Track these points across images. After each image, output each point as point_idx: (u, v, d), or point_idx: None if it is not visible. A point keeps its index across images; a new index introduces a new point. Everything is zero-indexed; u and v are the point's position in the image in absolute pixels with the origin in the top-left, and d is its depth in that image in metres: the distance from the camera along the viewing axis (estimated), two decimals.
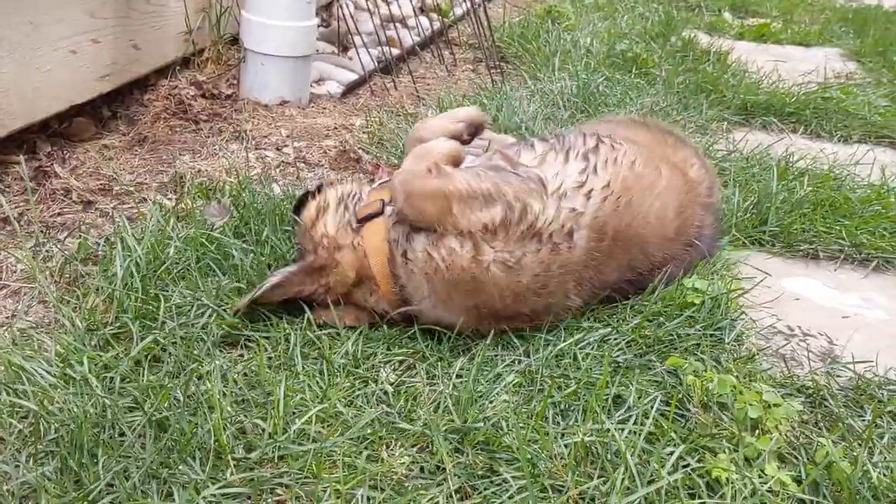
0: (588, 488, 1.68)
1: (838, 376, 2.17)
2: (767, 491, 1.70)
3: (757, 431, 1.86)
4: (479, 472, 1.73)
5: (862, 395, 2.10)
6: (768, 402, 1.89)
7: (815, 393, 2.08)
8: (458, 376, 1.98)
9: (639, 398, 1.92)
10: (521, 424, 1.84)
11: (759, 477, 1.73)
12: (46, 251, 2.36)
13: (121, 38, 3.15)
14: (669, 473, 1.70)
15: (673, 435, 1.81)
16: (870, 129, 4.20)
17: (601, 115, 3.83)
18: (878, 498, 1.72)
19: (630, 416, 1.87)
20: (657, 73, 4.68)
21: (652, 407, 1.89)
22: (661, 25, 5.95)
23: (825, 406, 2.04)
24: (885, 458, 1.85)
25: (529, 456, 1.72)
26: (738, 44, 5.96)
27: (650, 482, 1.68)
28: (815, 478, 1.73)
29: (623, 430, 1.82)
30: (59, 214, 2.59)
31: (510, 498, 1.64)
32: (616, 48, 5.02)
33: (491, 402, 1.90)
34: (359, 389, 1.94)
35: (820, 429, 1.97)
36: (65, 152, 2.94)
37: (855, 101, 4.48)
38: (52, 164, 2.81)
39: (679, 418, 1.91)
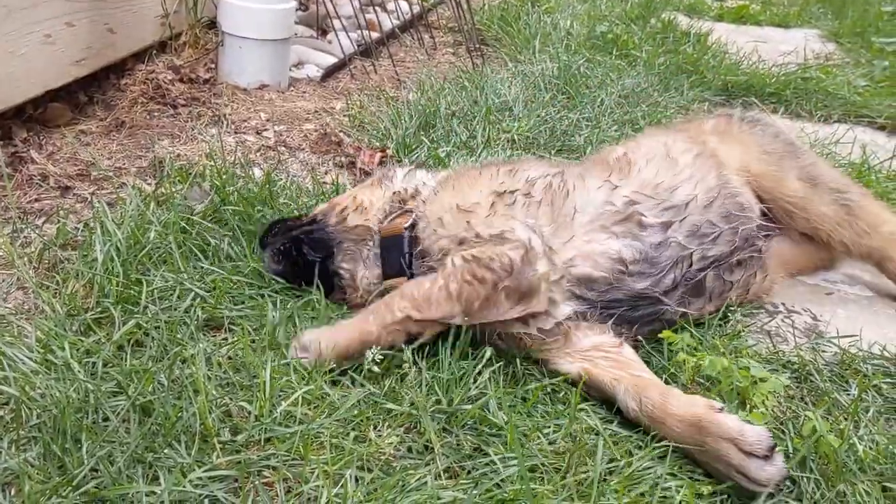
0: (581, 468, 1.68)
1: (823, 351, 2.18)
2: None
3: (747, 406, 1.86)
4: (467, 452, 1.72)
5: (847, 369, 2.11)
6: (755, 377, 1.90)
7: (800, 368, 2.09)
8: (434, 355, 1.97)
9: None
10: (509, 404, 1.83)
11: None
12: (24, 237, 2.33)
13: (96, 21, 3.10)
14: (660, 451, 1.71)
15: None
16: (849, 108, 4.22)
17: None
18: (865, 470, 1.73)
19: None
20: (638, 54, 4.68)
21: None
22: (640, 7, 5.95)
23: (811, 381, 2.05)
24: (871, 430, 1.87)
25: (517, 436, 1.71)
26: (718, 25, 5.97)
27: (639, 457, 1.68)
28: (802, 452, 1.73)
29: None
30: (36, 200, 2.55)
31: (500, 478, 1.63)
32: (596, 30, 5.02)
33: (475, 382, 1.88)
34: (344, 370, 1.92)
35: (806, 403, 1.98)
36: (41, 138, 2.89)
37: (834, 81, 4.50)
38: (28, 150, 2.77)
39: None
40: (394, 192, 2.29)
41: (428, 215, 2.14)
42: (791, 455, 1.75)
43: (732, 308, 2.28)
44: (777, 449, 1.66)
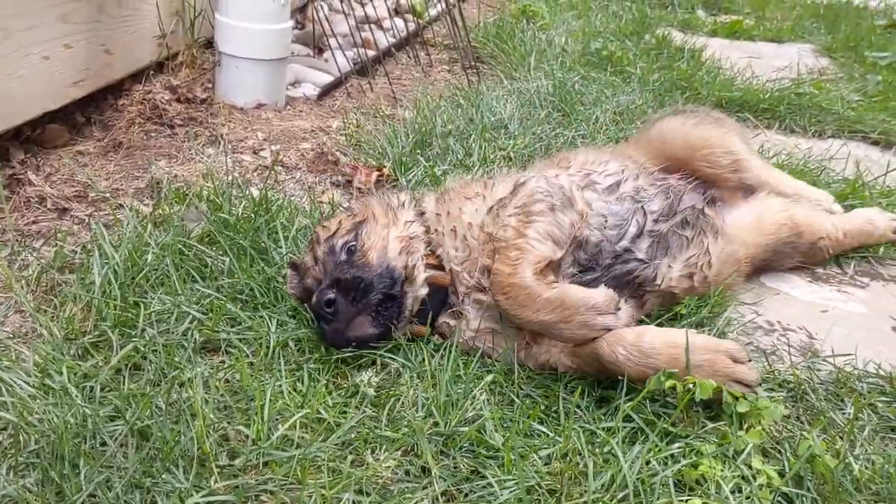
0: (576, 487, 1.68)
1: (819, 370, 2.19)
2: (748, 483, 1.71)
3: (744, 426, 1.86)
4: (465, 475, 1.72)
5: (842, 388, 2.12)
6: (752, 402, 1.90)
7: (796, 387, 2.09)
8: (433, 377, 1.98)
9: (625, 397, 1.92)
10: (505, 424, 1.84)
11: (744, 470, 1.74)
12: (22, 260, 2.33)
13: (93, 43, 3.12)
14: (656, 473, 1.72)
15: (655, 432, 1.82)
16: (843, 123, 4.24)
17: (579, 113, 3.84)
18: (861, 490, 1.74)
19: (613, 415, 1.87)
20: (632, 70, 4.70)
21: (636, 408, 1.90)
22: (634, 24, 5.98)
23: (807, 400, 2.06)
24: (867, 450, 1.87)
25: (514, 458, 1.72)
26: (712, 41, 6.00)
27: (639, 480, 1.69)
28: (798, 471, 1.74)
29: (610, 430, 1.83)
30: (33, 222, 2.56)
31: (497, 501, 1.64)
32: (591, 47, 5.04)
33: (472, 403, 1.89)
34: (340, 394, 1.93)
35: (802, 422, 1.99)
36: (38, 159, 2.90)
37: (828, 96, 4.52)
38: (25, 172, 2.78)
39: (665, 415, 1.91)
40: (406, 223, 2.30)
41: (447, 234, 2.23)
42: (786, 473, 1.75)
43: (730, 327, 2.30)
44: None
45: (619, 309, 1.99)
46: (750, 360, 1.93)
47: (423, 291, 2.15)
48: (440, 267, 2.19)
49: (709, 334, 2.23)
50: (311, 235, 2.34)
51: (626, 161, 2.55)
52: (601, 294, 1.98)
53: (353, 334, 2.04)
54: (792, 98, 4.42)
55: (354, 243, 2.16)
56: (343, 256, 2.15)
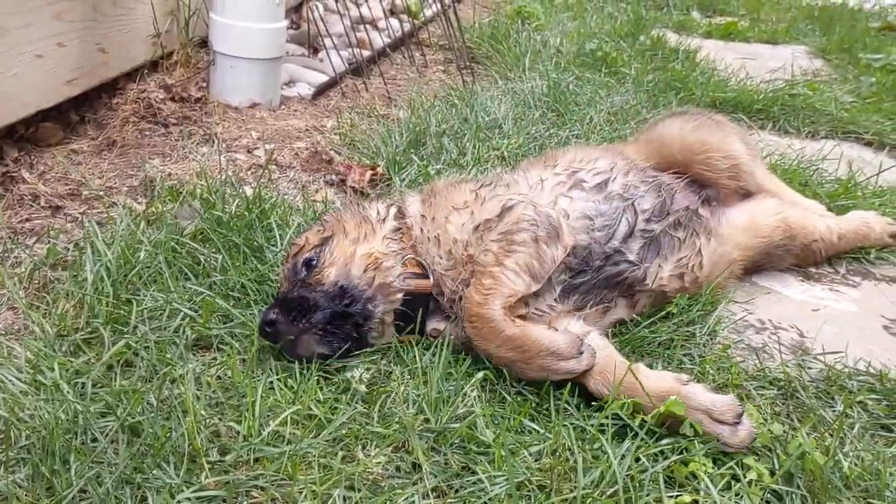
0: (566, 483, 1.69)
1: (809, 368, 2.20)
2: (738, 480, 1.72)
3: None
4: (456, 471, 1.73)
5: (832, 385, 2.13)
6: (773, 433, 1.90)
7: (787, 385, 2.10)
8: (424, 374, 1.98)
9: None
10: (496, 421, 1.85)
11: (735, 468, 1.74)
12: (15, 257, 2.34)
13: (88, 41, 3.12)
14: (646, 470, 1.72)
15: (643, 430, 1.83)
16: (836, 124, 4.26)
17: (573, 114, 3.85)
18: (850, 486, 1.74)
19: (599, 413, 1.88)
20: (627, 71, 4.71)
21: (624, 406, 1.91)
22: (629, 25, 6.00)
23: (797, 397, 2.06)
24: (856, 447, 1.88)
25: (504, 454, 1.72)
26: (706, 42, 6.02)
27: (628, 476, 1.69)
28: (788, 468, 1.75)
29: (600, 426, 1.84)
30: (27, 220, 2.56)
31: (487, 497, 1.64)
32: (586, 47, 5.05)
33: (463, 400, 1.90)
34: (330, 390, 1.93)
35: (792, 420, 2.00)
36: (32, 157, 2.90)
37: (822, 97, 4.54)
38: (19, 170, 2.78)
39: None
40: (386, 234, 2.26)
41: (431, 241, 2.20)
42: (776, 471, 1.76)
43: (720, 326, 2.31)
44: (744, 413, 1.82)
45: (582, 353, 1.95)
46: (739, 420, 1.81)
47: (395, 305, 2.11)
48: (423, 274, 2.16)
49: (700, 332, 2.25)
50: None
51: (616, 158, 2.51)
52: (563, 339, 1.96)
53: (301, 353, 2.00)
54: (786, 99, 4.44)
55: (315, 260, 2.13)
56: (302, 274, 2.12)
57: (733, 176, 2.64)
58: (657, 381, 1.90)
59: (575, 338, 1.97)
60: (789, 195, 2.87)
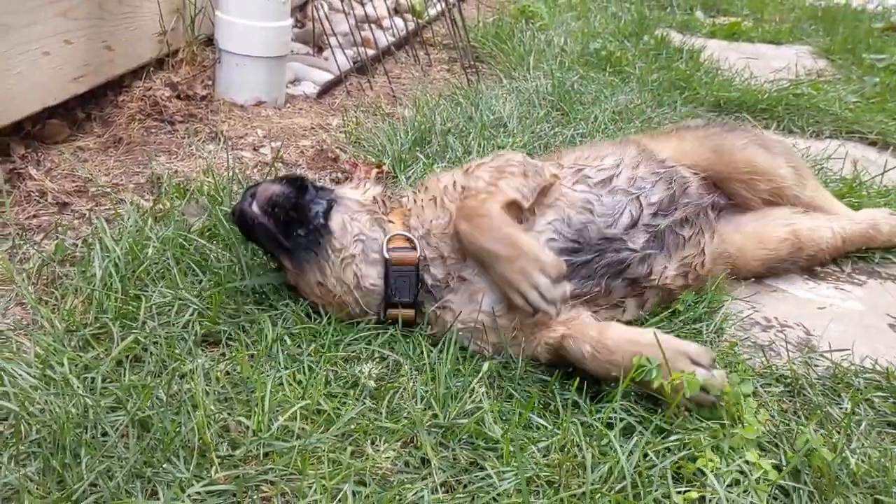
0: (574, 479, 1.69)
1: (816, 365, 2.20)
2: (746, 476, 1.72)
3: (738, 423, 1.87)
4: (464, 466, 1.73)
5: (839, 383, 2.13)
6: (744, 393, 1.91)
7: (793, 382, 2.11)
8: (432, 369, 1.99)
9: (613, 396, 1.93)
10: (504, 417, 1.85)
11: (741, 464, 1.75)
12: (23, 253, 2.34)
13: (94, 39, 3.12)
14: (654, 465, 1.73)
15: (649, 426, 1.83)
16: (841, 124, 4.26)
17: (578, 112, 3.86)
18: (857, 483, 1.75)
19: (607, 409, 1.88)
20: (631, 71, 4.72)
21: (635, 401, 1.92)
22: (633, 24, 6.00)
23: (804, 395, 2.07)
24: (863, 444, 1.89)
25: (513, 450, 1.73)
26: (710, 42, 6.02)
27: (636, 472, 1.70)
28: (795, 465, 1.75)
29: (608, 422, 1.84)
30: (34, 216, 2.56)
31: (496, 492, 1.65)
32: (590, 47, 5.06)
33: (471, 396, 1.90)
34: (339, 385, 1.94)
35: (799, 417, 2.00)
36: (39, 154, 2.91)
37: (826, 97, 4.54)
38: (26, 166, 2.79)
39: (658, 409, 1.92)
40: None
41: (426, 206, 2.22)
42: (783, 468, 1.76)
43: (727, 323, 2.32)
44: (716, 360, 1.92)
45: (564, 285, 1.98)
46: (714, 366, 1.89)
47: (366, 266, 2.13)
48: (412, 247, 2.15)
49: (706, 330, 2.26)
50: None
51: (626, 152, 2.49)
52: (552, 256, 1.99)
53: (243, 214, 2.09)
54: (790, 99, 4.44)
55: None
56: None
57: (773, 196, 2.66)
58: (634, 331, 1.99)
59: (561, 263, 1.99)
60: (837, 209, 2.85)
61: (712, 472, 1.72)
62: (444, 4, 4.95)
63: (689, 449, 1.78)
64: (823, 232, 2.70)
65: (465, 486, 1.69)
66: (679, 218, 2.35)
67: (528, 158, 2.24)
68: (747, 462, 1.76)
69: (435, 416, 1.85)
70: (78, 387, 1.78)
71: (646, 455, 1.76)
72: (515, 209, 2.10)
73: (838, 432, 1.90)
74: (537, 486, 1.69)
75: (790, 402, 2.06)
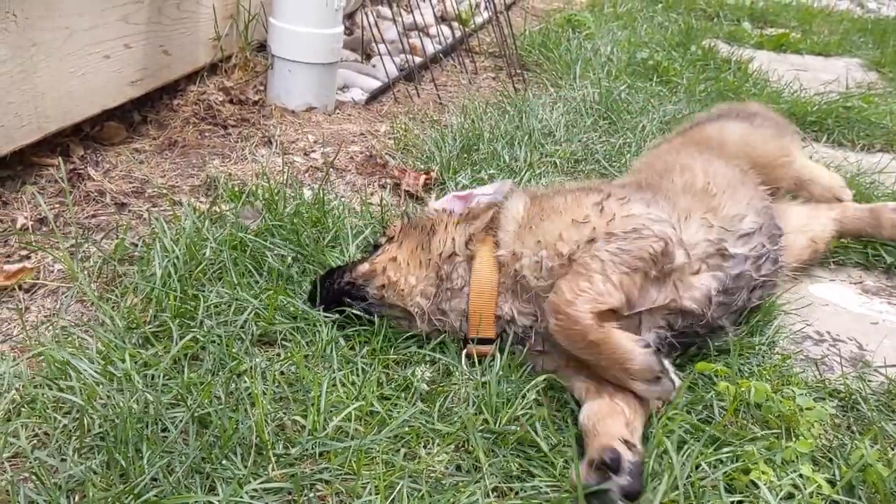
0: None
1: (870, 381, 2.18)
2: (799, 490, 1.71)
3: (791, 436, 1.86)
4: (516, 474, 1.74)
5: (894, 399, 2.11)
6: (800, 405, 1.91)
7: (847, 397, 2.09)
8: (483, 374, 2.00)
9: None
10: (555, 425, 1.86)
11: (794, 478, 1.74)
12: (83, 252, 2.39)
13: (152, 43, 3.19)
14: (706, 476, 1.73)
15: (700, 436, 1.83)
16: (892, 137, 4.21)
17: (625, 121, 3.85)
18: None
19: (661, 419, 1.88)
20: (678, 81, 4.70)
21: (688, 411, 1.92)
22: (680, 34, 5.98)
23: (857, 409, 2.05)
24: None
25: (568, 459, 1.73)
26: (758, 53, 5.98)
27: (689, 482, 1.70)
28: (849, 479, 1.74)
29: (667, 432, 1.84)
30: (93, 216, 2.62)
31: (547, 500, 1.66)
32: (637, 57, 5.05)
33: (522, 402, 1.91)
34: (391, 387, 1.96)
35: (853, 432, 1.98)
36: (98, 155, 2.98)
37: (877, 110, 4.49)
38: (85, 167, 2.85)
39: (708, 421, 1.92)
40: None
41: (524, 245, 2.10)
42: (837, 482, 1.75)
43: (779, 336, 2.31)
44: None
45: (660, 379, 1.89)
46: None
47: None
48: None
49: (759, 342, 2.24)
50: None
51: (751, 189, 2.42)
52: (640, 358, 1.88)
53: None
54: (840, 111, 4.39)
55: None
56: None
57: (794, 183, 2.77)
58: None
59: (653, 361, 1.88)
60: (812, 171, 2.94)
61: (765, 484, 1.71)
62: (491, 12, 4.97)
63: (742, 461, 1.77)
64: (827, 227, 2.80)
65: (517, 493, 1.70)
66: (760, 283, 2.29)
67: (670, 236, 2.01)
68: (801, 476, 1.75)
69: (486, 421, 1.86)
70: (139, 383, 1.82)
71: (698, 466, 1.76)
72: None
73: (893, 448, 1.88)
74: None
75: (843, 417, 2.04)
